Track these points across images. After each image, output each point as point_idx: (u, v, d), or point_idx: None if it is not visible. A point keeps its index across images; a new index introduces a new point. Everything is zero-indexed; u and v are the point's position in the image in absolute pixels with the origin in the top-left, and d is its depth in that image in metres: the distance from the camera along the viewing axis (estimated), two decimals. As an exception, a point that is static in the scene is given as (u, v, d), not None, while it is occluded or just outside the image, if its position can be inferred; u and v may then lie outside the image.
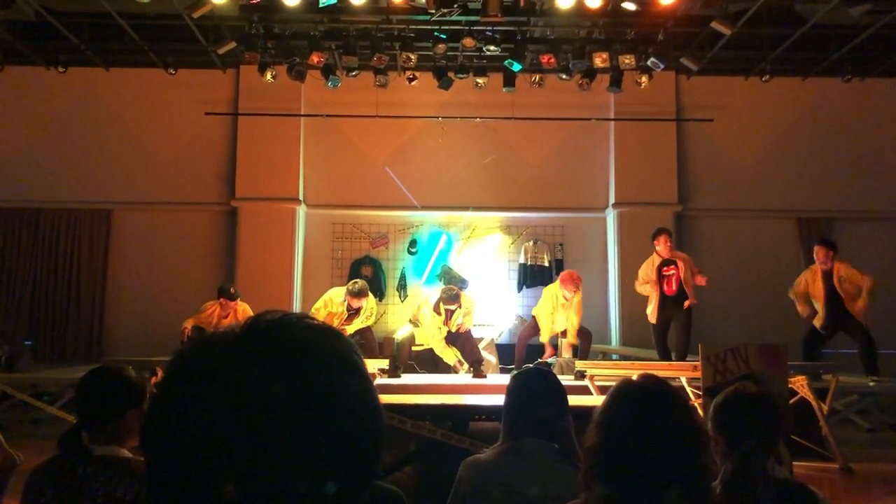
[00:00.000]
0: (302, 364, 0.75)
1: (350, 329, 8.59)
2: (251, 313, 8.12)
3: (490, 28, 9.71)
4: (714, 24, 9.14)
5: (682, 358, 8.47)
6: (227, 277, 11.40)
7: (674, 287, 8.70)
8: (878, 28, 9.88)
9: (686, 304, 8.66)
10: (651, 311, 8.90)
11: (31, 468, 2.37)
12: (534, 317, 9.10)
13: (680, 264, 8.75)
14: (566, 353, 8.90)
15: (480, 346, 8.93)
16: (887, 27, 9.93)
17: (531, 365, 8.06)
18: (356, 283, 8.69)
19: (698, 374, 6.01)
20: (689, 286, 8.66)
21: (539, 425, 2.48)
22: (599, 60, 9.84)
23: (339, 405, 0.75)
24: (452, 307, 8.54)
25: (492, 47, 9.77)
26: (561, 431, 2.50)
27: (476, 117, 11.28)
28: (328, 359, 0.77)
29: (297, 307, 11.28)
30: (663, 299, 8.76)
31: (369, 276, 11.33)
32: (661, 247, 8.85)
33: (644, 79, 10.25)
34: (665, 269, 8.80)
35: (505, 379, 7.61)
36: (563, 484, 2.32)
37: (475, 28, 9.63)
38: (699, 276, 8.73)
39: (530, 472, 2.41)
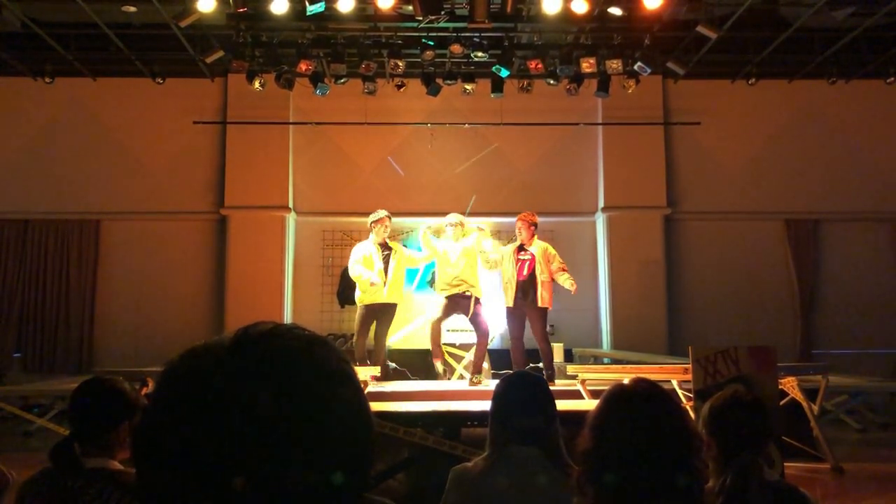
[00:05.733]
0: (291, 374, 0.75)
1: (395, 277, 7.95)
2: None
3: (478, 34, 9.73)
4: (700, 28, 9.19)
5: (547, 367, 7.80)
6: (217, 286, 11.39)
7: (525, 273, 7.77)
8: (862, 30, 9.96)
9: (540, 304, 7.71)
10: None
11: (22, 481, 2.35)
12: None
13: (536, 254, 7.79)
14: None
15: (471, 351, 8.86)
16: (870, 29, 10.02)
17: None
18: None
19: (689, 376, 6.03)
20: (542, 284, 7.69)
21: (526, 433, 2.46)
22: (587, 65, 9.88)
23: (328, 415, 0.75)
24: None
25: (479, 53, 9.80)
26: (548, 437, 2.47)
27: (465, 123, 11.30)
28: (318, 369, 0.78)
29: (287, 315, 11.26)
30: (517, 284, 7.78)
31: (360, 283, 11.31)
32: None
33: (631, 83, 10.29)
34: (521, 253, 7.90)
35: (494, 384, 7.57)
36: (551, 491, 2.31)
37: (463, 34, 9.65)
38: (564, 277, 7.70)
39: (519, 483, 2.39)
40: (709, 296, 11.53)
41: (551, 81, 10.39)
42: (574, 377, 7.49)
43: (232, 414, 0.71)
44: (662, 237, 11.58)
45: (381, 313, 8.01)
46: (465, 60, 10.29)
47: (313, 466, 0.73)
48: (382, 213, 8.18)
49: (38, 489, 2.27)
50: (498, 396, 2.61)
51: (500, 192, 11.67)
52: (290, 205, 11.58)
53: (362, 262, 7.94)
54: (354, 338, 8.11)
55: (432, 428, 5.89)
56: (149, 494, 0.75)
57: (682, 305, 11.56)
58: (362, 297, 7.97)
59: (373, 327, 8.13)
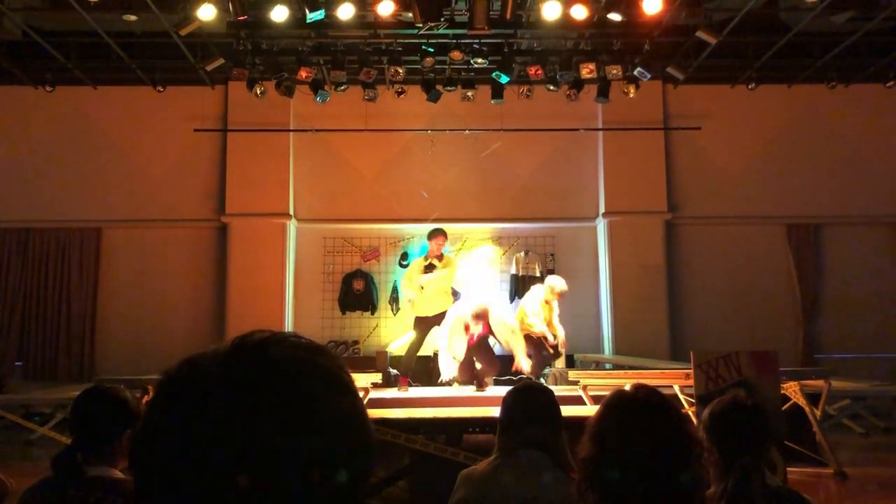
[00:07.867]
0: (289, 383, 0.75)
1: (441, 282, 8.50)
2: None
3: (477, 41, 9.76)
4: (699, 33, 9.21)
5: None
6: (218, 294, 11.39)
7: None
8: (861, 35, 9.97)
9: None
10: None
11: (23, 489, 2.35)
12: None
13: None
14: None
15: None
16: (869, 34, 10.03)
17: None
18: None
19: (691, 381, 6.03)
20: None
21: (533, 441, 2.52)
22: (586, 71, 9.90)
23: (327, 424, 0.75)
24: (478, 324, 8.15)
25: (479, 60, 9.82)
26: (554, 444, 2.52)
27: (465, 129, 11.31)
28: (317, 377, 0.78)
29: (288, 322, 11.25)
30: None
31: (361, 289, 11.33)
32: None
33: (631, 89, 10.31)
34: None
35: (497, 391, 7.59)
36: (557, 492, 2.34)
37: (462, 41, 9.68)
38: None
39: (524, 481, 2.43)
40: (710, 300, 11.52)
41: (551, 87, 10.41)
42: (576, 383, 7.49)
43: (229, 423, 0.71)
44: (663, 242, 11.57)
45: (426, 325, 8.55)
46: (465, 67, 10.32)
47: (312, 476, 0.72)
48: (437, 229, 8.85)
49: (40, 497, 2.27)
50: (506, 405, 2.67)
51: (501, 198, 11.67)
52: (291, 212, 11.58)
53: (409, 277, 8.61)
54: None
55: (434, 435, 5.89)
56: (146, 503, 0.74)
57: (684, 310, 11.55)
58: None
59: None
